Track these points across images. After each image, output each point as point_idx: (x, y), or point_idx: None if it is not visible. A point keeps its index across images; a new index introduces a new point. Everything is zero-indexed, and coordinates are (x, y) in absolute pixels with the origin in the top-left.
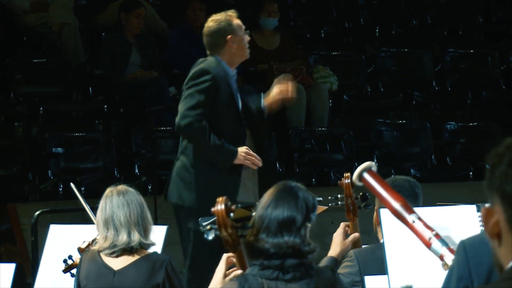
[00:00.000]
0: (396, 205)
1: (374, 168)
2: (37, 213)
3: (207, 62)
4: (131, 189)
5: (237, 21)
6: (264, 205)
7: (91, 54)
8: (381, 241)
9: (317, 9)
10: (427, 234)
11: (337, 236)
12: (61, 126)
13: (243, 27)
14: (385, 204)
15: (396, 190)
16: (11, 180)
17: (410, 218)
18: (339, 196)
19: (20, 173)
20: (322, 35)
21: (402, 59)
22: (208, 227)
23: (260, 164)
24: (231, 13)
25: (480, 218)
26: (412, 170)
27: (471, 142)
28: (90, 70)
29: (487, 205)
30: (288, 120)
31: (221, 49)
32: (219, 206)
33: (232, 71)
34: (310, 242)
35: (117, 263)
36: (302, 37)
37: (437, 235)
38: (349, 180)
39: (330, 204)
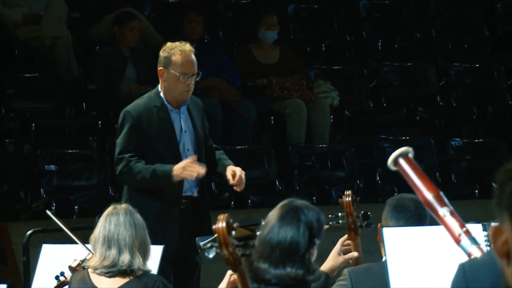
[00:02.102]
0: (429, 196)
1: (411, 155)
2: (29, 232)
3: (140, 98)
4: (135, 210)
5: (178, 57)
6: (268, 229)
7: (85, 68)
8: (383, 259)
9: (318, 22)
10: (457, 230)
11: (333, 251)
12: (54, 142)
13: (185, 65)
14: (418, 193)
15: (399, 209)
16: (2, 199)
17: (441, 211)
18: (339, 214)
19: (11, 191)
20: (323, 49)
21: (405, 73)
22: (209, 245)
23: (202, 171)
24: (182, 46)
25: (486, 238)
26: None
27: (476, 159)
28: (84, 85)
29: (493, 224)
30: (288, 136)
31: (159, 80)
32: (220, 224)
33: (178, 104)
34: (315, 269)
35: (108, 285)
36: (302, 50)
37: (467, 232)
38: (350, 198)
39: (330, 223)
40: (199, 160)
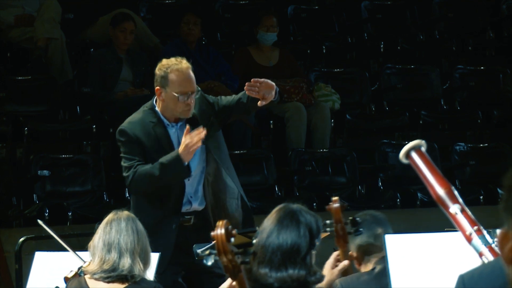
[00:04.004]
0: (441, 191)
1: (424, 148)
2: (21, 239)
3: (135, 114)
4: (136, 218)
5: (175, 77)
6: (266, 234)
7: (79, 71)
8: (371, 269)
9: (318, 23)
10: (468, 228)
11: (327, 265)
12: (47, 147)
13: (183, 84)
14: (429, 188)
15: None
16: None
17: (453, 208)
18: (327, 222)
19: (3, 197)
20: (324, 51)
21: (408, 76)
22: (207, 252)
23: (202, 134)
24: (179, 63)
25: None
26: (419, 194)
27: (481, 164)
28: (78, 88)
29: (498, 230)
30: (287, 140)
31: (157, 97)
32: (219, 231)
33: (177, 119)
34: (316, 270)
35: None
36: (302, 52)
37: (478, 231)
38: (338, 204)
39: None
40: (203, 167)
